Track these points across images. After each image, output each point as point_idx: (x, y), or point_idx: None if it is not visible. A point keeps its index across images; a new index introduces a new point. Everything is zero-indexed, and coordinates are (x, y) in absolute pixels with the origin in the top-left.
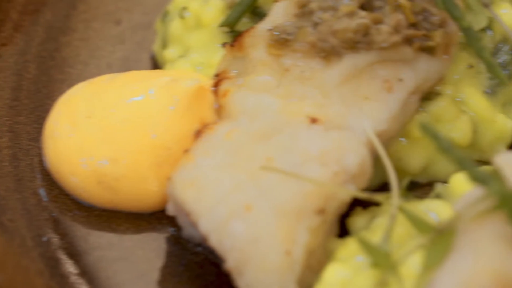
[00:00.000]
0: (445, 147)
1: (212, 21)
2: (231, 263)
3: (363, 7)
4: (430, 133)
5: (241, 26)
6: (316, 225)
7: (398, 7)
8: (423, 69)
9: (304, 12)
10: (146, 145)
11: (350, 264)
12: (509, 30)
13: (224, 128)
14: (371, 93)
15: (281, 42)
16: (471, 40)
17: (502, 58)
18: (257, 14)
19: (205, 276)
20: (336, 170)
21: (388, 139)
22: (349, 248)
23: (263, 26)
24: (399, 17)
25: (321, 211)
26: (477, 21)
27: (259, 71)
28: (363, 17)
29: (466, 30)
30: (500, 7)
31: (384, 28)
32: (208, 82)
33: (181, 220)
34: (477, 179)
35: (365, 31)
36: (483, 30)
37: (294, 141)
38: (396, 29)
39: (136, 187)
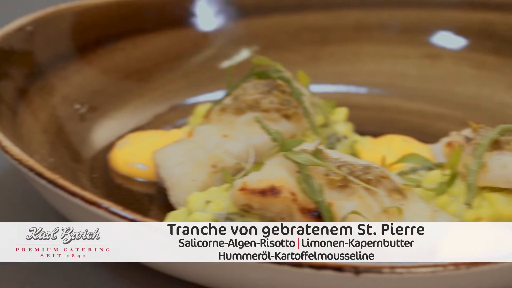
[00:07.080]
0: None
1: None
2: (167, 185)
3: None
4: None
5: None
6: (210, 172)
7: (272, 94)
8: (282, 126)
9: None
10: None
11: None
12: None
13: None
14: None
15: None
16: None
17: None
18: None
19: None
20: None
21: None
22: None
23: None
24: (273, 98)
25: (213, 166)
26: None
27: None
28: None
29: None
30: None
31: (266, 101)
32: None
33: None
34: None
35: (258, 102)
36: None
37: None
38: (271, 102)
39: None
